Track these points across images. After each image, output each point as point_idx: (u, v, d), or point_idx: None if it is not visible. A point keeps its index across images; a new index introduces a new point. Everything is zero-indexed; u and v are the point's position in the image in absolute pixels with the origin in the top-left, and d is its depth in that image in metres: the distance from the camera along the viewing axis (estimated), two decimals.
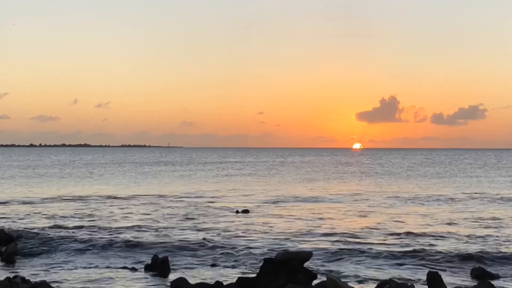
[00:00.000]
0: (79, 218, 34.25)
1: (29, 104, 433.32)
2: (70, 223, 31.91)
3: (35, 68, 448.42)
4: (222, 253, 23.67)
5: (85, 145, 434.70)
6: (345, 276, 19.42)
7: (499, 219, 34.39)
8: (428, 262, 21.96)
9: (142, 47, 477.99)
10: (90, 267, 21.05)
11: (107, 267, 21.21)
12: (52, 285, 17.08)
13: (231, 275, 19.48)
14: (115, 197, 46.69)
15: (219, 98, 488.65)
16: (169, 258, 21.19)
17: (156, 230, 29.85)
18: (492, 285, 16.71)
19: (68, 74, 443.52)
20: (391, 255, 23.24)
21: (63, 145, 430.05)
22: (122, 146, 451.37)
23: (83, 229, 29.73)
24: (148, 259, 21.52)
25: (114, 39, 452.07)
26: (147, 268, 20.54)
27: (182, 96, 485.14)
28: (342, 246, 25.12)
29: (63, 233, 28.59)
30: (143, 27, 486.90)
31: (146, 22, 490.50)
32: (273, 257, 16.95)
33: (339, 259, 22.54)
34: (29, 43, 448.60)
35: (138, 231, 29.49)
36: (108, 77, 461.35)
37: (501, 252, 24.15)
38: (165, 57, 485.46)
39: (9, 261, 21.80)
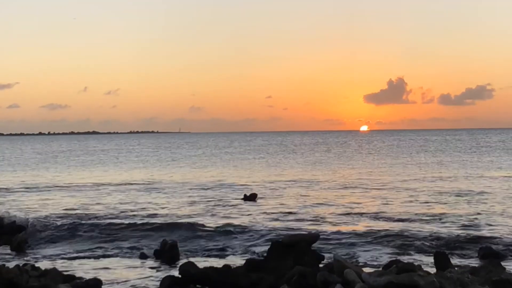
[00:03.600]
0: (93, 206, 34.35)
1: (40, 93, 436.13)
2: (81, 211, 32.04)
3: (46, 57, 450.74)
4: (230, 238, 23.78)
5: (94, 133, 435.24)
6: (352, 258, 19.50)
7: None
8: (435, 243, 22.01)
9: (151, 34, 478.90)
10: (99, 254, 21.18)
11: (117, 253, 21.35)
12: (62, 273, 17.22)
13: (239, 259, 19.60)
14: (129, 184, 46.79)
15: (227, 83, 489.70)
16: (178, 243, 21.33)
17: (165, 215, 29.99)
18: (500, 264, 16.72)
19: (79, 62, 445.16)
20: (398, 237, 23.30)
21: (72, 133, 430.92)
22: (130, 132, 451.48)
23: (94, 218, 29.83)
24: (157, 244, 21.64)
25: (123, 26, 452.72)
26: (156, 253, 20.66)
27: (191, 81, 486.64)
28: (349, 229, 25.21)
29: (73, 221, 28.73)
30: (151, 12, 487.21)
31: (154, 8, 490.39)
32: (280, 239, 17.03)
33: (346, 241, 22.62)
34: (39, 32, 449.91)
35: (147, 217, 29.63)
36: (118, 64, 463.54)
37: (509, 230, 24.19)
38: (174, 43, 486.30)
39: (19, 250, 21.98)
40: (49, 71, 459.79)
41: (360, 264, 18.29)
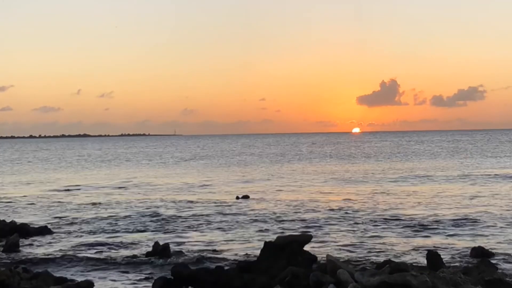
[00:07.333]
0: (85, 209, 34.17)
1: (34, 96, 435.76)
2: (74, 214, 31.87)
3: (41, 60, 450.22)
4: (222, 239, 23.73)
5: (85, 135, 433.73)
6: (344, 258, 19.46)
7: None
8: (427, 243, 22.03)
9: (145, 37, 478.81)
10: (91, 257, 21.04)
11: (109, 255, 21.24)
12: (54, 275, 17.12)
13: (231, 260, 19.55)
14: (121, 187, 46.60)
15: (221, 85, 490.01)
16: (170, 245, 21.23)
17: (158, 217, 29.88)
18: (492, 263, 16.75)
19: (73, 64, 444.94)
20: (390, 237, 23.32)
21: (63, 136, 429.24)
22: (122, 135, 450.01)
23: (86, 220, 29.68)
24: (149, 247, 21.54)
25: (117, 29, 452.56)
26: (148, 255, 20.56)
27: (185, 84, 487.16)
28: (342, 229, 25.22)
29: (66, 225, 28.58)
30: (146, 16, 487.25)
31: (148, 12, 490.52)
32: (273, 240, 17.00)
33: (338, 242, 22.60)
34: (35, 35, 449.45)
35: (141, 219, 29.51)
36: (112, 66, 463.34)
37: (500, 231, 24.25)
38: (167, 46, 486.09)
39: (11, 252, 21.81)
40: (44, 73, 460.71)
41: (353, 264, 18.25)
